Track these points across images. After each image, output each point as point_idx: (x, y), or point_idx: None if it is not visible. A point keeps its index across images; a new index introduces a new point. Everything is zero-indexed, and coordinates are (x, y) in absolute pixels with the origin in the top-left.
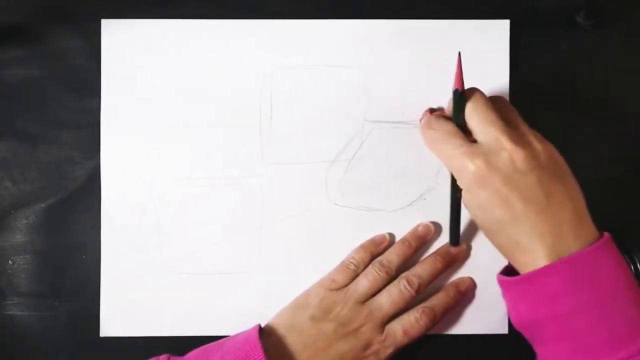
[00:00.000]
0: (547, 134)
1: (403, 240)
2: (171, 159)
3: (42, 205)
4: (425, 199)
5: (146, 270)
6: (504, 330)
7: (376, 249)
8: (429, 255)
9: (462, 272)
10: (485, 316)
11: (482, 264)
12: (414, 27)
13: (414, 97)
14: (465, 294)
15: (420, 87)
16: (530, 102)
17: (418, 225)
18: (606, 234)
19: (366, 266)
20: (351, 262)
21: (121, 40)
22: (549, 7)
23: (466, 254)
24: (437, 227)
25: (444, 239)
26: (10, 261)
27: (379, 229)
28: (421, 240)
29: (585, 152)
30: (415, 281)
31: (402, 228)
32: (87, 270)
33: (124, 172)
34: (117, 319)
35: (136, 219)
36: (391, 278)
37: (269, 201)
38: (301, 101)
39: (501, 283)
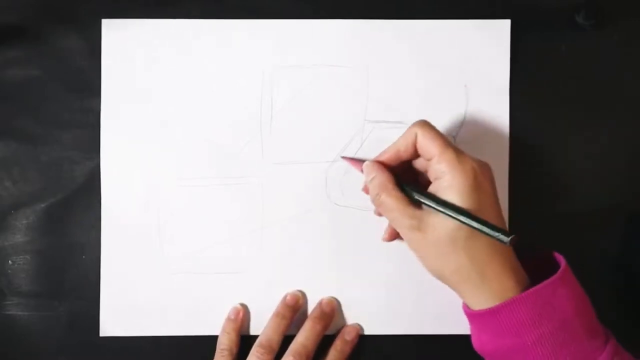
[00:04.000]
0: (547, 134)
1: (276, 314)
2: (171, 158)
3: (42, 205)
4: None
5: (146, 270)
6: None
7: (237, 325)
8: (306, 322)
9: None
10: None
11: None
12: (414, 27)
13: (414, 97)
14: (353, 341)
15: (420, 87)
16: (530, 102)
17: (285, 295)
18: (563, 263)
19: (237, 346)
20: (223, 350)
21: (121, 40)
22: (549, 7)
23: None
24: (303, 294)
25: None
26: (10, 261)
27: (379, 229)
28: (293, 309)
29: (586, 151)
30: (303, 352)
31: None
32: (87, 270)
33: (124, 172)
34: (117, 319)
35: (136, 219)
36: (276, 355)
37: (269, 201)
38: (301, 101)
39: (466, 315)
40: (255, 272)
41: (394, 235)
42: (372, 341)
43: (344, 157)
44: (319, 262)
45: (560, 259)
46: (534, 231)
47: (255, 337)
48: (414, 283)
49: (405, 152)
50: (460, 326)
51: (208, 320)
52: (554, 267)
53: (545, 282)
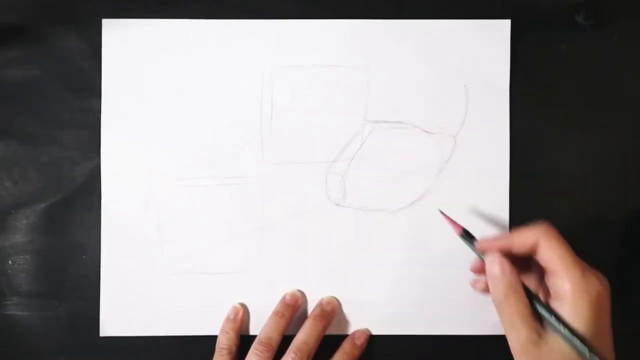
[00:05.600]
0: (547, 134)
1: (275, 313)
2: (171, 159)
3: (42, 205)
4: (425, 199)
5: (146, 270)
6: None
7: (237, 325)
8: (307, 320)
9: (463, 273)
10: (485, 316)
11: None
12: (414, 27)
13: (414, 97)
14: (362, 346)
15: (420, 87)
16: (530, 102)
17: (285, 295)
18: None
19: (236, 345)
20: (222, 349)
21: (122, 40)
22: (549, 7)
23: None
24: (303, 294)
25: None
26: (10, 261)
27: (379, 229)
28: (292, 309)
29: (586, 151)
30: (305, 349)
31: (402, 228)
32: (87, 270)
33: (124, 172)
34: (117, 319)
35: (136, 219)
36: (275, 353)
37: (269, 201)
38: (301, 101)
39: None
40: (255, 272)
41: (481, 271)
42: (372, 341)
43: (442, 212)
44: (319, 262)
45: None
46: None
47: (255, 337)
48: (414, 283)
49: (517, 251)
50: (460, 327)
51: (208, 320)
52: None
53: None
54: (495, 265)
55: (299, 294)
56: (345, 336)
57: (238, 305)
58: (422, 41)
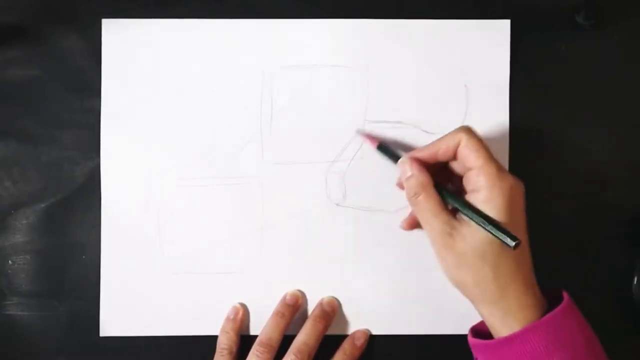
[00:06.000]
0: (547, 133)
1: (276, 313)
2: (171, 159)
3: (42, 205)
4: None
5: (146, 270)
6: None
7: (237, 325)
8: (307, 321)
9: None
10: None
11: None
12: (414, 27)
13: (414, 97)
14: (362, 347)
15: (420, 87)
16: (530, 102)
17: (285, 295)
18: (565, 295)
19: (237, 345)
20: (223, 349)
21: (122, 40)
22: (549, 7)
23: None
24: (303, 294)
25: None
26: (10, 261)
27: (379, 229)
28: (292, 308)
29: (586, 151)
30: (305, 350)
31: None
32: (87, 270)
33: (124, 172)
34: (117, 319)
35: (136, 219)
36: (276, 353)
37: (269, 201)
38: (301, 101)
39: (474, 346)
40: (255, 272)
41: (414, 225)
42: (372, 341)
43: (359, 132)
44: (319, 262)
45: (564, 294)
46: (534, 231)
47: (255, 337)
48: (414, 283)
49: (443, 155)
50: (461, 326)
51: (208, 320)
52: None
53: (556, 310)
54: (406, 167)
55: (299, 294)
56: (345, 336)
57: (238, 305)
58: (422, 41)
